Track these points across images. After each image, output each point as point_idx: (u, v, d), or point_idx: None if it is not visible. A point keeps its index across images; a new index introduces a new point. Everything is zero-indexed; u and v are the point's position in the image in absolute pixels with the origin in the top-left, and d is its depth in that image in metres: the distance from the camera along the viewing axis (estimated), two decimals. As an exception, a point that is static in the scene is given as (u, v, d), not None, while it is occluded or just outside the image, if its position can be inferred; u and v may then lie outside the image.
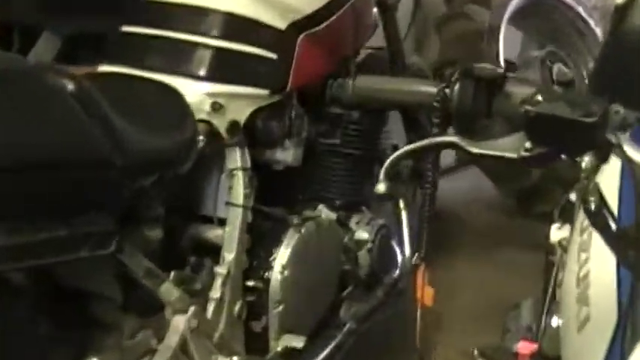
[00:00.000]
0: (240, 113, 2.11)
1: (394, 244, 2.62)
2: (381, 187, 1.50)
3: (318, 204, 2.33)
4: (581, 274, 1.43)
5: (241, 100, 2.12)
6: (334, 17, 2.31)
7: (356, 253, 2.41)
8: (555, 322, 1.62)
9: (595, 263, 1.38)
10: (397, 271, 2.60)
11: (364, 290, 2.49)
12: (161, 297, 1.95)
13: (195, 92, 2.06)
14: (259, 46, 2.15)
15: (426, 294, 2.07)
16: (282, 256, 2.19)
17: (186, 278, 2.05)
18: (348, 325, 2.35)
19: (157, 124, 1.95)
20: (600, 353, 1.24)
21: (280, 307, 2.18)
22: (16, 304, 1.75)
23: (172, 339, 1.95)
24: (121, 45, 2.15)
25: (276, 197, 2.27)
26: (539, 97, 1.28)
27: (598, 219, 1.23)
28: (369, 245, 2.41)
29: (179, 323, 1.96)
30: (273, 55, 2.16)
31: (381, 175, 1.51)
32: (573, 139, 1.27)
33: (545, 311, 1.76)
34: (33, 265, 1.70)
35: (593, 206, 1.22)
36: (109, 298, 1.97)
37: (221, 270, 2.09)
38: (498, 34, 3.50)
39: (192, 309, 1.99)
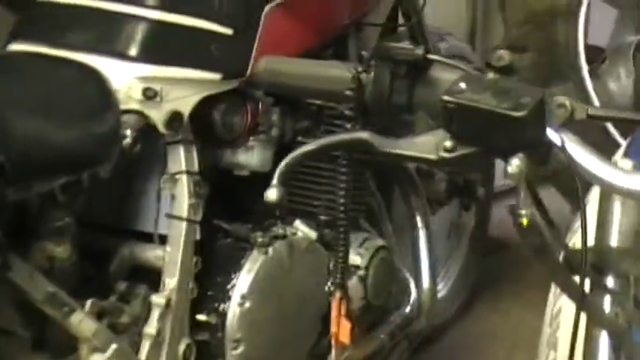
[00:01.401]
0: (183, 103, 1.89)
1: (406, 273, 2.44)
2: (271, 195, 1.35)
3: (294, 219, 2.11)
4: (555, 309, 1.45)
5: (184, 87, 1.90)
6: None
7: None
8: None
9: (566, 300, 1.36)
10: (409, 308, 2.39)
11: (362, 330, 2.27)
12: (74, 331, 1.77)
13: (124, 76, 1.85)
14: (210, 18, 1.94)
15: (342, 328, 1.97)
16: (242, 283, 1.99)
17: (110, 308, 1.86)
18: None
19: (65, 114, 1.79)
20: None
21: (240, 349, 1.99)
22: None
23: None
24: (34, 18, 1.97)
25: (239, 211, 2.07)
26: (462, 86, 1.22)
27: (531, 237, 1.19)
28: (362, 272, 2.21)
29: None
30: (228, 31, 1.95)
31: (274, 181, 1.36)
32: (501, 137, 1.18)
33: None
34: None
35: (524, 220, 1.17)
36: (16, 335, 1.82)
37: (159, 299, 1.89)
38: (580, 15, 3.26)
39: (113, 347, 1.80)
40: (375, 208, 2.33)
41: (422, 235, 2.43)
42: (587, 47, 3.31)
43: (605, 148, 1.21)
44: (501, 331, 2.69)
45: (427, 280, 2.42)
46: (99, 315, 1.80)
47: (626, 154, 1.23)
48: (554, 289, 1.42)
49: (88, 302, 1.77)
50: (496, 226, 3.12)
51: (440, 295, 2.78)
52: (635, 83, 2.98)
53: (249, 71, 1.96)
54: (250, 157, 2.02)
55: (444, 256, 2.87)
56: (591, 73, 3.33)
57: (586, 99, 3.06)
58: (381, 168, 2.37)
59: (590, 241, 1.22)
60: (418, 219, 2.43)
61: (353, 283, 2.16)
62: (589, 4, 3.30)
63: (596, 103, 3.05)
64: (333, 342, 2.02)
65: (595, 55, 3.34)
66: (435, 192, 2.57)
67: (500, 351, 1.62)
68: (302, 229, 2.09)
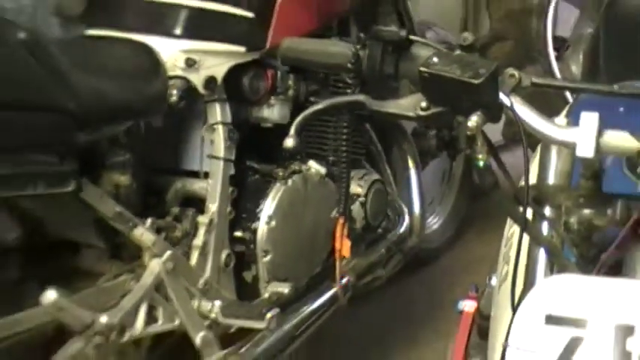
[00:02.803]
0: (217, 69, 1.88)
1: (401, 202, 2.39)
2: (289, 142, 1.34)
3: (309, 159, 2.07)
4: (509, 233, 1.42)
5: (216, 57, 1.88)
6: None
7: (349, 206, 2.17)
8: (494, 281, 1.47)
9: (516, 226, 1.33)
10: (402, 229, 2.35)
11: (364, 247, 2.26)
12: (137, 242, 1.77)
13: (170, 49, 1.84)
14: (234, 4, 1.91)
15: (344, 245, 2.03)
16: (268, 207, 1.97)
17: (166, 226, 1.85)
18: (345, 279, 2.10)
19: (124, 78, 1.78)
20: (509, 309, 1.19)
21: (268, 257, 1.98)
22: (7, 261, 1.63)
23: (147, 280, 1.76)
24: (108, 8, 1.93)
25: (267, 154, 2.02)
26: (435, 60, 1.22)
27: (486, 177, 1.21)
28: (362, 199, 2.18)
29: (154, 266, 1.77)
30: (249, 14, 1.92)
31: (292, 131, 1.34)
32: (463, 99, 1.18)
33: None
34: None
35: (480, 163, 1.18)
36: (95, 247, 1.82)
37: (204, 219, 1.88)
38: (549, 12, 3.19)
39: (168, 253, 1.78)
40: (375, 153, 2.29)
41: (412, 173, 2.40)
42: (554, 37, 3.23)
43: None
44: (485, 258, 2.65)
45: (417, 208, 2.38)
46: (157, 230, 1.78)
47: (567, 114, 1.21)
48: (509, 219, 1.39)
49: (149, 220, 1.76)
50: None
51: (434, 227, 2.75)
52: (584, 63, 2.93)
53: (267, 45, 1.92)
54: (272, 112, 1.98)
55: (438, 197, 2.82)
56: (557, 57, 3.28)
57: (553, 77, 3.01)
58: (382, 125, 2.32)
59: (533, 180, 1.22)
60: (409, 162, 2.40)
61: (355, 207, 2.14)
62: (556, 3, 3.23)
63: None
64: (337, 255, 2.06)
65: (560, 43, 3.31)
66: (427, 146, 2.51)
67: (483, 272, 1.62)
68: (314, 166, 2.06)
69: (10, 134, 1.49)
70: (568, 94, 2.78)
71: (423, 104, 1.22)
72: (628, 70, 1.28)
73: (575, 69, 3.11)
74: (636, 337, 1.06)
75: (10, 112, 1.49)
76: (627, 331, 1.07)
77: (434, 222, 2.75)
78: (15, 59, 1.49)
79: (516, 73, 1.18)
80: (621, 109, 1.21)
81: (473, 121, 1.16)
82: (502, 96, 1.18)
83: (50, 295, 1.52)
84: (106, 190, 1.70)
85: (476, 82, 1.16)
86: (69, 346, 1.57)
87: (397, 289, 2.43)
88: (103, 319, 1.60)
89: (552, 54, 3.25)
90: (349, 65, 1.62)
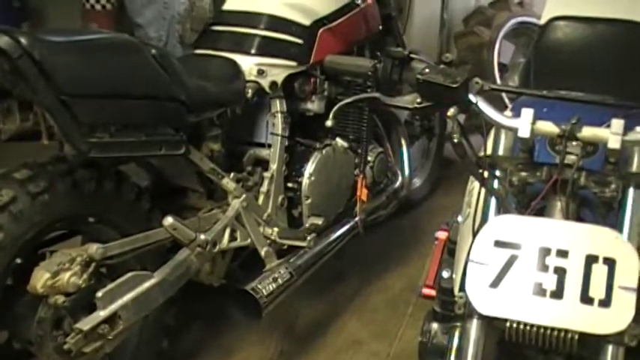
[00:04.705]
0: (278, 77, 1.84)
1: (396, 168, 2.33)
2: (329, 123, 1.40)
3: (337, 137, 2.02)
4: (471, 187, 1.39)
5: (278, 69, 1.84)
6: (344, 18, 2.01)
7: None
8: (459, 219, 1.42)
9: (476, 182, 1.28)
10: (397, 185, 2.31)
11: (374, 195, 2.20)
12: (224, 188, 1.76)
13: (247, 63, 1.81)
14: (291, 35, 1.88)
15: (363, 193, 2.01)
16: (309, 167, 1.93)
17: (243, 177, 1.83)
18: (358, 216, 2.05)
19: (218, 79, 1.75)
20: (470, 237, 1.17)
21: (309, 200, 1.93)
22: (142, 198, 1.61)
23: (230, 213, 1.75)
24: (209, 37, 1.91)
25: (309, 133, 1.98)
26: (427, 70, 1.20)
27: (459, 149, 1.17)
28: (371, 164, 2.13)
29: (235, 204, 1.76)
30: (300, 41, 1.88)
31: (331, 116, 1.40)
32: (445, 97, 1.18)
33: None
34: (130, 155, 1.53)
35: (455, 140, 1.15)
36: (197, 191, 1.83)
37: (267, 174, 1.86)
38: (495, 46, 3.14)
39: (244, 196, 1.78)
40: (379, 134, 2.25)
41: (404, 149, 2.36)
42: (499, 64, 3.19)
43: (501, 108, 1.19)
44: (450, 205, 2.60)
45: (407, 172, 2.35)
46: (237, 180, 1.77)
47: (511, 110, 1.18)
48: (471, 177, 1.36)
49: (232, 174, 1.76)
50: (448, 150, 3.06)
51: (417, 184, 2.68)
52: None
53: (311, 61, 1.89)
54: (313, 105, 1.95)
55: (419, 165, 2.75)
56: (500, 77, 3.23)
57: (496, 93, 2.96)
58: (384, 116, 2.27)
59: (489, 151, 1.21)
60: (402, 141, 2.36)
61: (367, 170, 2.09)
62: (500, 41, 3.17)
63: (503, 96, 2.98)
64: (358, 199, 2.03)
65: (503, 68, 3.25)
66: (413, 132, 2.48)
67: (449, 213, 1.59)
68: (340, 142, 2.01)
69: (145, 115, 1.50)
70: (506, 99, 2.76)
71: (418, 100, 1.22)
72: (549, 86, 1.25)
73: (512, 84, 3.06)
74: (552, 256, 1.06)
75: (145, 101, 1.50)
76: (546, 251, 1.07)
77: (417, 181, 2.69)
78: (149, 67, 1.50)
79: (480, 81, 1.18)
80: (545, 109, 1.18)
81: (451, 112, 1.16)
82: (471, 96, 1.18)
83: (168, 220, 1.54)
84: (204, 153, 1.70)
85: (454, 86, 1.16)
86: (180, 254, 1.59)
87: (393, 223, 2.40)
88: (202, 236, 1.61)
89: (497, 75, 3.21)
90: (370, 73, 1.65)
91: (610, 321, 1.02)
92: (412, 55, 1.47)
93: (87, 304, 1.41)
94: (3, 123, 1.31)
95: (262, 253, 1.79)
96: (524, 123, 1.13)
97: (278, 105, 1.86)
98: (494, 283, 1.07)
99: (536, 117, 1.13)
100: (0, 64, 1.24)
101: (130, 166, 1.65)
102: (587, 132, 1.11)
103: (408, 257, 2.33)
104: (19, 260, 1.37)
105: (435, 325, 1.31)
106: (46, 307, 1.38)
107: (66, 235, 1.53)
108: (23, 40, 1.25)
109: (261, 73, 1.80)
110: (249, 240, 1.77)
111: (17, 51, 1.24)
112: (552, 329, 1.05)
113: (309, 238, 1.89)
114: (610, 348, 1.06)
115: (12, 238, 1.32)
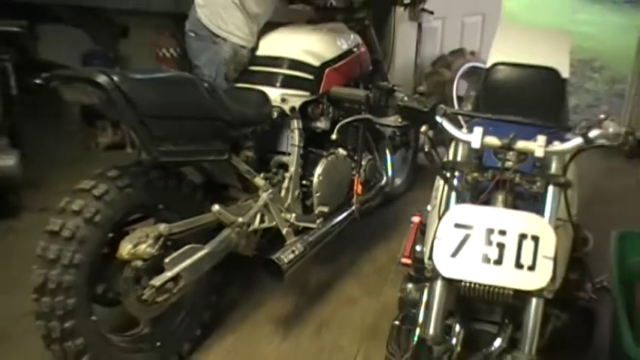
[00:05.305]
0: (296, 103, 1.86)
1: (382, 170, 2.31)
2: (333, 137, 1.45)
3: (339, 147, 2.03)
4: (437, 184, 1.37)
5: (296, 97, 1.86)
6: (344, 60, 2.02)
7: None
8: (429, 207, 1.42)
9: (441, 180, 1.29)
10: (382, 183, 2.30)
11: (366, 190, 2.19)
12: (255, 184, 1.78)
13: (274, 93, 1.83)
14: (305, 72, 1.89)
15: (358, 189, 1.99)
16: (318, 170, 1.93)
17: (270, 177, 1.84)
18: (355, 206, 2.06)
19: (251, 106, 1.75)
20: (437, 220, 1.16)
21: (318, 194, 1.94)
22: (196, 192, 1.62)
23: (259, 203, 1.77)
24: (246, 75, 1.91)
25: (318, 145, 1.99)
26: (405, 98, 1.21)
27: (429, 157, 1.17)
28: (364, 167, 2.12)
29: (264, 196, 1.78)
30: (312, 77, 1.90)
31: (335, 131, 1.44)
32: (419, 118, 1.19)
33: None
34: (188, 160, 1.56)
35: (426, 150, 1.16)
36: (236, 186, 1.84)
37: (287, 175, 1.87)
38: (454, 83, 3.16)
39: (270, 190, 1.80)
40: (370, 145, 2.22)
41: (388, 157, 2.33)
42: (458, 96, 3.19)
43: (459, 127, 1.20)
44: (422, 199, 2.50)
45: (390, 173, 2.32)
46: (265, 179, 1.79)
47: (467, 128, 1.22)
48: (437, 177, 1.36)
49: (262, 174, 1.78)
50: (421, 158, 3.05)
51: (398, 183, 2.67)
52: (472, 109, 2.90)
53: (320, 92, 1.90)
54: (321, 124, 1.95)
55: (399, 169, 2.70)
56: (459, 105, 3.23)
57: (455, 116, 2.94)
58: (373, 132, 2.23)
59: (451, 158, 1.23)
60: (387, 151, 2.33)
61: (361, 171, 2.08)
62: (458, 80, 3.19)
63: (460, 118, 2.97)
64: (354, 193, 2.03)
65: (460, 99, 3.25)
66: (396, 143, 2.45)
67: (421, 204, 1.57)
68: (341, 151, 2.00)
69: (200, 131, 1.55)
70: (462, 121, 2.78)
71: (399, 120, 1.28)
72: (493, 112, 1.27)
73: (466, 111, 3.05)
74: (495, 234, 1.11)
75: (200, 121, 1.54)
76: (491, 231, 1.12)
77: (398, 181, 2.67)
78: (203, 97, 1.53)
79: (444, 107, 1.21)
80: (490, 127, 1.20)
81: (423, 129, 1.20)
82: (437, 117, 1.21)
83: (215, 207, 1.59)
84: (242, 159, 1.73)
85: (425, 110, 1.20)
86: (223, 232, 1.63)
87: (380, 211, 2.39)
88: (240, 219, 1.67)
89: (456, 104, 3.21)
90: (363, 100, 1.69)
91: (535, 281, 1.07)
92: (394, 88, 1.53)
93: (158, 267, 1.46)
94: (100, 137, 1.37)
95: (284, 232, 1.82)
96: (476, 137, 1.17)
97: (295, 124, 1.88)
98: (454, 254, 1.11)
99: (485, 133, 1.17)
100: (99, 95, 1.29)
101: (188, 168, 1.69)
102: (521, 145, 1.16)
103: (391, 236, 2.34)
104: (111, 235, 1.43)
105: (410, 285, 1.35)
106: (129, 268, 1.43)
107: (143, 217, 1.58)
108: (115, 78, 1.30)
109: (283, 100, 1.83)
110: (274, 222, 1.80)
111: (110, 85, 1.29)
112: (495, 287, 1.10)
113: (318, 221, 1.91)
114: (534, 300, 1.12)
115: (106, 219, 1.38)
